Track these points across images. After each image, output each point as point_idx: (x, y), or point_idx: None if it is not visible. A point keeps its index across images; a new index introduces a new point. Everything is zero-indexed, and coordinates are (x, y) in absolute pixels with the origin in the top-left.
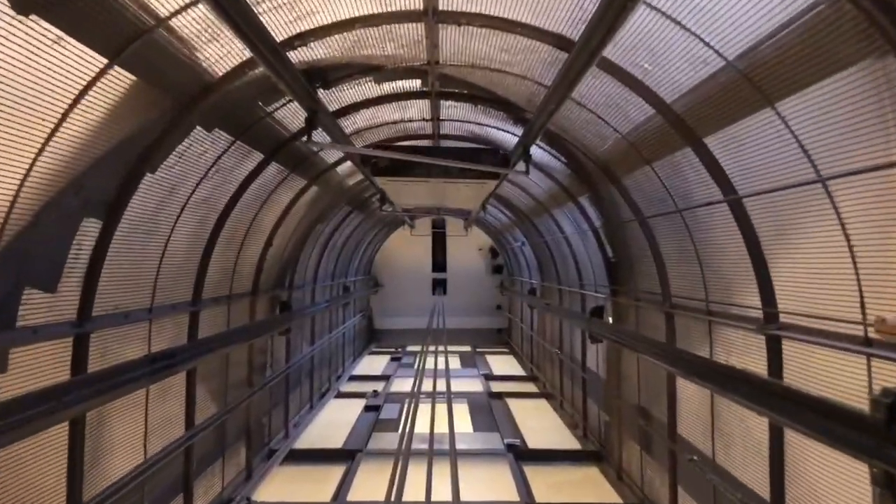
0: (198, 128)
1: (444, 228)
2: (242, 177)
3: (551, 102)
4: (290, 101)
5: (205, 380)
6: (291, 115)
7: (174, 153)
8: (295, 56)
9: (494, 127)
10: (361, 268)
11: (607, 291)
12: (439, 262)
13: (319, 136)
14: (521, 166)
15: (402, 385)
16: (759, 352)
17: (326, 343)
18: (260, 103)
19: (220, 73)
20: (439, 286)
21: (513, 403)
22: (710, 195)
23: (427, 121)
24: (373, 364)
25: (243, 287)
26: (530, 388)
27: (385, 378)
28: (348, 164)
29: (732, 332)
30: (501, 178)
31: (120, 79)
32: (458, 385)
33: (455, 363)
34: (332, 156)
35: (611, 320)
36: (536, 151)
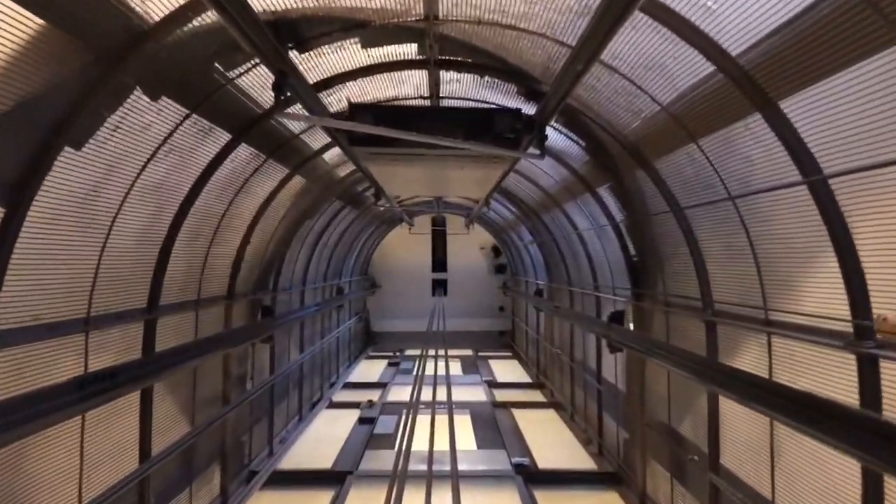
0: (137, 93)
1: (444, 226)
2: (207, 160)
3: (578, 62)
4: (257, 64)
5: (168, 399)
6: (261, 84)
7: (107, 124)
8: (258, 3)
9: (503, 105)
10: (357, 268)
11: (628, 294)
12: (439, 262)
13: (296, 111)
14: (534, 149)
15: (400, 394)
16: (844, 374)
17: (318, 349)
18: (218, 65)
19: (157, 18)
20: (439, 287)
21: (519, 415)
22: (779, 176)
23: (425, 98)
24: (369, 370)
25: (216, 290)
26: (537, 396)
27: (381, 386)
28: (336, 151)
29: (802, 348)
30: (514, 162)
31: (17, 20)
32: (459, 394)
33: (456, 369)
34: (316, 140)
35: (631, 326)
36: (550, 135)
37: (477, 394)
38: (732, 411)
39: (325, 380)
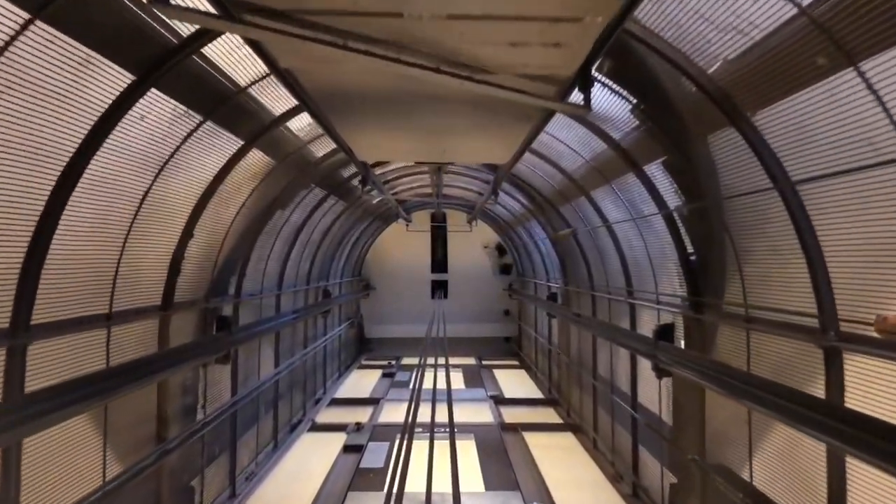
0: None
1: (444, 222)
2: (98, 110)
3: None
4: None
5: (62, 454)
6: None
7: None
8: None
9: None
10: (348, 268)
11: (680, 303)
12: (439, 262)
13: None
14: (576, 97)
15: (394, 412)
16: None
17: (299, 361)
18: None
19: None
20: (439, 289)
21: (532, 440)
22: None
23: None
24: (361, 382)
25: (143, 299)
26: (550, 416)
27: (373, 402)
28: (306, 121)
29: None
30: (545, 118)
31: None
32: (462, 413)
33: (458, 381)
34: (277, 102)
35: (682, 344)
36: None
37: (482, 413)
38: (868, 478)
39: (309, 396)
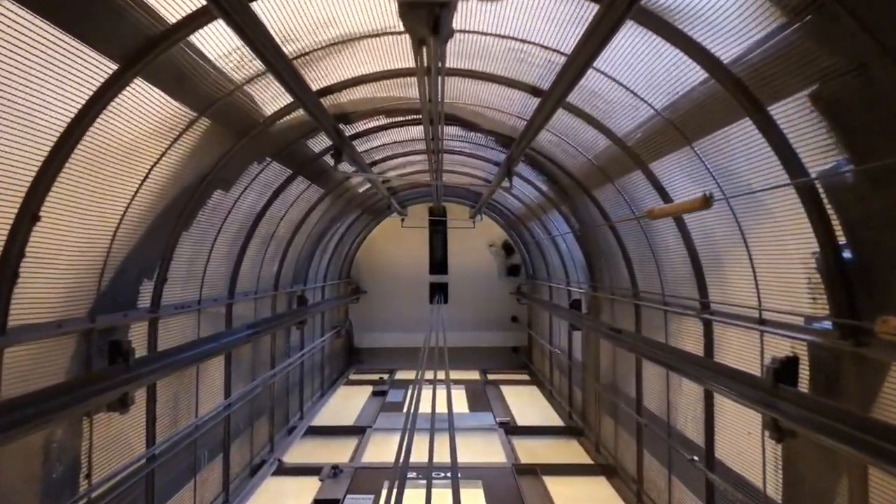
0: None
1: (444, 217)
2: None
3: None
4: None
5: None
6: None
7: None
8: None
9: None
10: (334, 270)
11: (812, 326)
12: (439, 262)
13: None
14: None
15: (383, 447)
16: None
17: (263, 386)
18: None
19: None
20: (438, 292)
21: (556, 487)
22: None
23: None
24: (347, 402)
25: None
26: (576, 451)
27: (359, 432)
28: (235, 43)
29: None
30: None
31: None
32: (466, 447)
33: (460, 401)
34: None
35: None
36: None
37: (491, 447)
38: None
39: (279, 426)
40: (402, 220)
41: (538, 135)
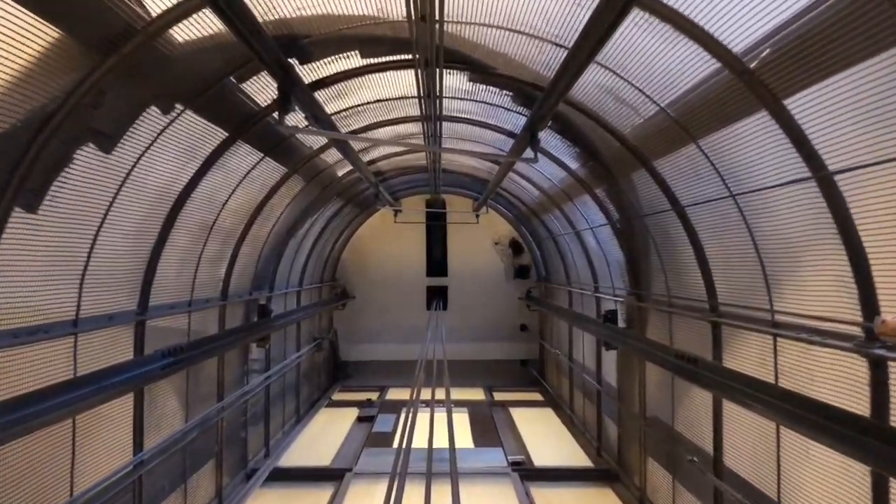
0: None
1: (443, 210)
2: None
3: None
4: None
5: None
6: None
7: None
8: None
9: None
10: (314, 271)
11: None
12: (437, 262)
13: None
14: None
15: (365, 500)
16: None
17: (202, 427)
18: None
19: None
20: (437, 297)
21: None
22: None
23: None
24: (326, 432)
25: None
26: (609, 501)
27: (337, 477)
28: None
29: None
30: None
31: None
32: (473, 499)
33: (463, 429)
34: None
35: None
36: None
37: (503, 500)
38: None
39: (231, 473)
40: (395, 214)
41: (582, 74)
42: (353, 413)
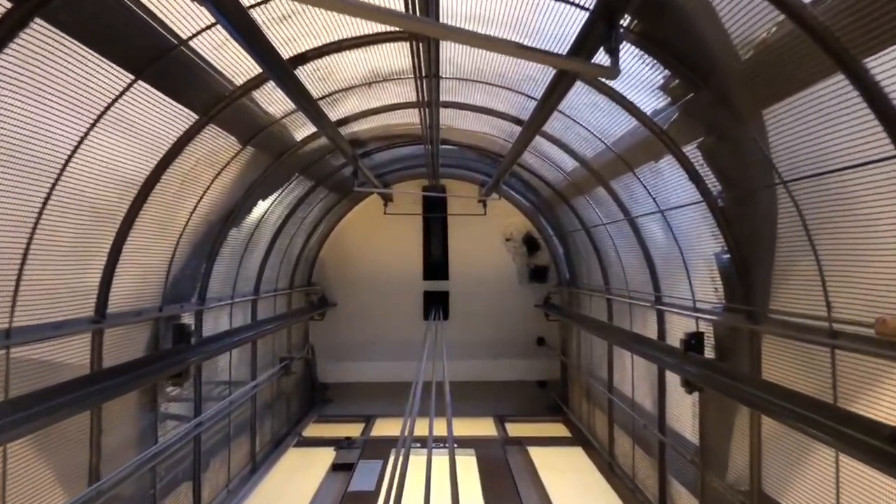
0: None
1: (443, 200)
2: None
3: None
4: None
5: None
6: None
7: None
8: None
9: None
10: (280, 274)
11: None
12: (436, 263)
13: None
14: None
15: None
16: None
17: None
18: None
19: None
20: (436, 305)
21: None
22: None
23: None
24: (285, 490)
25: None
26: None
27: None
28: None
29: None
30: None
31: None
32: None
33: (470, 480)
34: None
35: None
36: None
37: None
38: None
39: None
40: (385, 203)
41: None
42: (327, 456)
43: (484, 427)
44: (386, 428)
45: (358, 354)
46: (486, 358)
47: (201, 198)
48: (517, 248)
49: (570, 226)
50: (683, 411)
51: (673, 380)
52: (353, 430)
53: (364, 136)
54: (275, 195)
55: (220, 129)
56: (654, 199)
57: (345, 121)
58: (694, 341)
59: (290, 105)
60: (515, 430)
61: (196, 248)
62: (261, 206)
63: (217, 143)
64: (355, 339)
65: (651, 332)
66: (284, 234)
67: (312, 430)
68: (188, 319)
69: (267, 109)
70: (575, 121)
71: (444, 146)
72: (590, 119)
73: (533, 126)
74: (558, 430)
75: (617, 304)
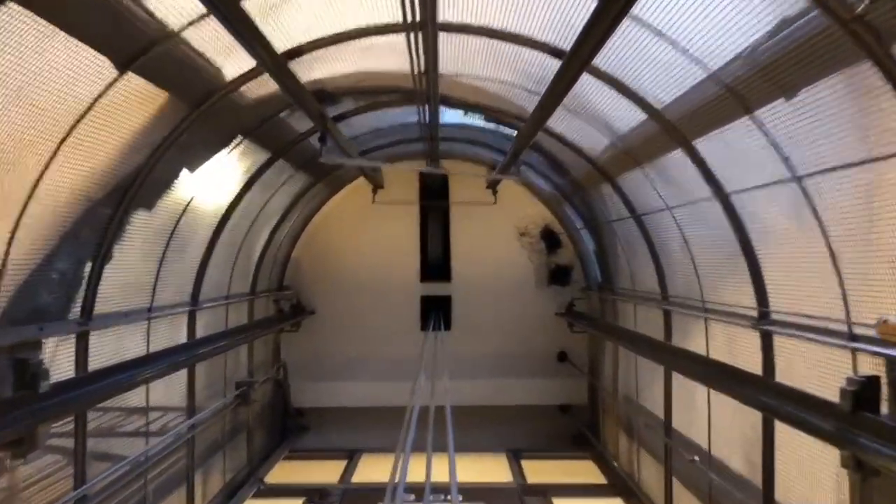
0: None
1: (444, 186)
2: None
3: None
4: None
5: None
6: None
7: None
8: None
9: None
10: (233, 277)
11: None
12: (436, 263)
13: None
14: None
15: None
16: None
17: None
18: None
19: None
20: (435, 313)
21: None
22: None
23: None
24: None
25: None
26: None
27: None
28: None
29: None
30: None
31: None
32: None
33: None
34: None
35: None
36: None
37: None
38: None
39: None
40: (374, 191)
41: None
42: None
43: (495, 468)
44: (373, 468)
45: (341, 373)
46: (495, 377)
47: (51, 159)
48: (534, 244)
49: (607, 214)
50: (812, 485)
51: (789, 436)
52: (332, 470)
53: (334, 88)
54: (208, 166)
55: (67, 35)
56: (785, 159)
57: (298, 51)
58: (867, 393)
59: (196, 4)
60: (534, 470)
61: (69, 240)
62: (187, 182)
63: (67, 63)
64: (338, 355)
65: (745, 361)
66: (234, 223)
67: (281, 471)
68: (58, 348)
69: (150, 8)
70: (658, 33)
71: (445, 109)
72: (685, 24)
73: (585, 49)
74: (587, 470)
75: (679, 317)
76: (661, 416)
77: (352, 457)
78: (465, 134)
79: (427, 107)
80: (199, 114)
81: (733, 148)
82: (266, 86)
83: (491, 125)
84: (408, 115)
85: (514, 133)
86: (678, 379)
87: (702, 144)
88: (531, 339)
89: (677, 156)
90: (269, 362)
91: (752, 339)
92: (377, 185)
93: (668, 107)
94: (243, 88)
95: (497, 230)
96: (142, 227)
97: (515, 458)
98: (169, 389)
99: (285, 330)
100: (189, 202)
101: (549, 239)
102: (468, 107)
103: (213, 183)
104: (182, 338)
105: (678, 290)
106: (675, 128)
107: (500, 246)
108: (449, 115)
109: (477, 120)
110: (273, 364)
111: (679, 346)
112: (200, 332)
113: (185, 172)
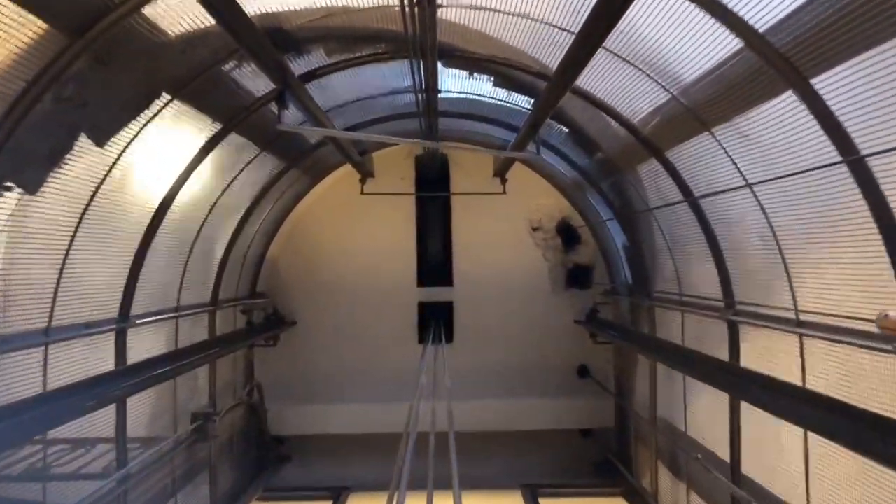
0: None
1: (446, 167)
2: None
3: None
4: None
5: None
6: None
7: None
8: None
9: None
10: (188, 282)
11: None
12: (436, 263)
13: None
14: None
15: None
16: None
17: None
18: None
19: None
20: (435, 321)
21: None
22: None
23: None
24: None
25: None
26: None
27: None
28: None
29: None
30: None
31: None
32: None
33: None
34: None
35: None
36: None
37: None
38: None
39: None
40: (363, 180)
41: None
42: None
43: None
44: None
45: (327, 394)
46: (506, 397)
47: None
48: (549, 241)
49: (646, 200)
50: None
51: None
52: None
53: (296, 28)
54: (125, 136)
55: None
56: None
57: None
58: None
59: None
60: None
61: None
62: (94, 158)
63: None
64: (323, 373)
65: (871, 397)
66: (180, 216)
67: None
68: None
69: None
70: None
71: (446, 75)
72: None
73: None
74: None
75: (753, 332)
76: (725, 457)
77: (338, 496)
78: (470, 108)
79: (422, 63)
80: (84, 45)
81: (883, 85)
82: (188, 14)
83: (501, 93)
84: (398, 76)
85: (531, 102)
86: (754, 413)
87: (826, 83)
88: (546, 351)
89: (781, 104)
90: (238, 384)
91: (885, 366)
92: (366, 174)
93: (773, 29)
94: (154, 18)
95: (506, 225)
96: (21, 215)
97: (532, 495)
98: (90, 433)
99: (259, 345)
100: (100, 184)
101: (567, 234)
102: (474, 65)
103: (138, 161)
104: (108, 365)
105: (752, 295)
106: (787, 59)
107: (509, 243)
108: (450, 83)
109: (485, 84)
110: (245, 386)
111: (752, 368)
112: (136, 357)
113: (87, 143)
